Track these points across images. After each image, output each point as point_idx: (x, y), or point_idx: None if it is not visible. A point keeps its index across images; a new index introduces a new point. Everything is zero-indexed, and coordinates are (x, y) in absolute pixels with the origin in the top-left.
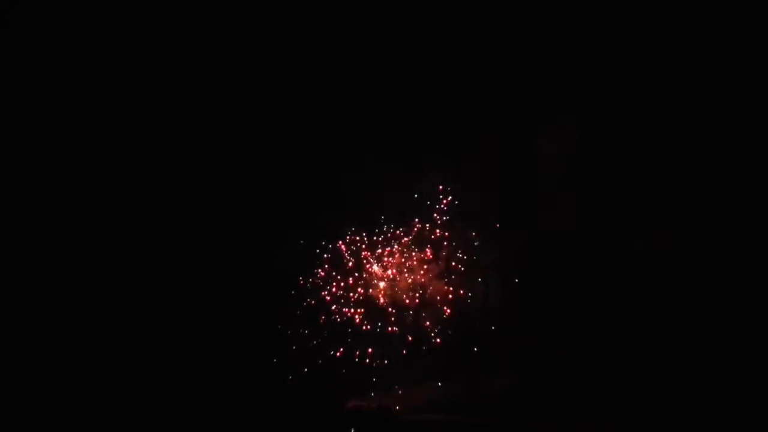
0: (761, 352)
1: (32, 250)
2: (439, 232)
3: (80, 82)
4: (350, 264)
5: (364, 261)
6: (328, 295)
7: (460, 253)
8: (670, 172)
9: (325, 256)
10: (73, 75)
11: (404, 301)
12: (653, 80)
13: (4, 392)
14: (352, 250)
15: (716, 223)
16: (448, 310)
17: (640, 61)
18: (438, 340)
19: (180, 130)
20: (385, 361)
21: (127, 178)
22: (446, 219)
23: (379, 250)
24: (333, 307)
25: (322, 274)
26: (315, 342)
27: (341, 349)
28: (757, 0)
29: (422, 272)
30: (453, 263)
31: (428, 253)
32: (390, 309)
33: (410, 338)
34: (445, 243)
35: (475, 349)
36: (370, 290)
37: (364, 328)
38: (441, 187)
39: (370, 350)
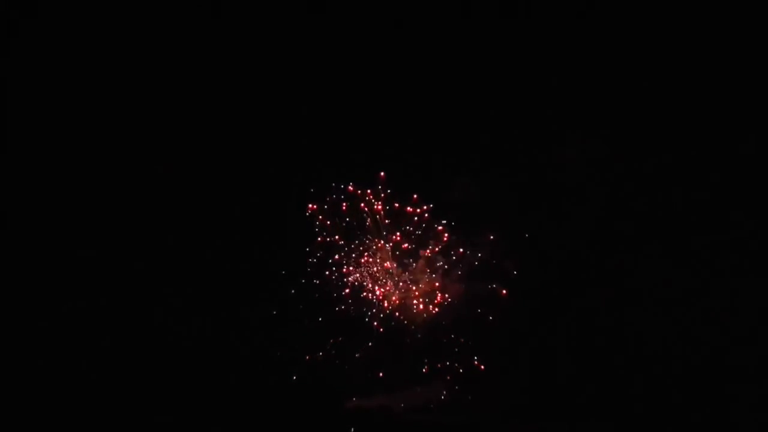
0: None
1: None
2: (447, 237)
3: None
4: (358, 263)
5: (374, 261)
6: (331, 295)
7: (465, 256)
8: (683, 180)
9: (336, 256)
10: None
11: (410, 302)
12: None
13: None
14: (360, 252)
15: (723, 229)
16: (445, 308)
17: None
18: (444, 340)
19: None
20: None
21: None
22: (455, 225)
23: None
24: (336, 308)
25: (327, 274)
26: (316, 342)
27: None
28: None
29: (428, 274)
30: (458, 266)
31: (431, 255)
32: (394, 310)
33: (412, 338)
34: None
35: (476, 349)
36: (377, 290)
37: (366, 328)
38: (461, 194)
39: (371, 350)
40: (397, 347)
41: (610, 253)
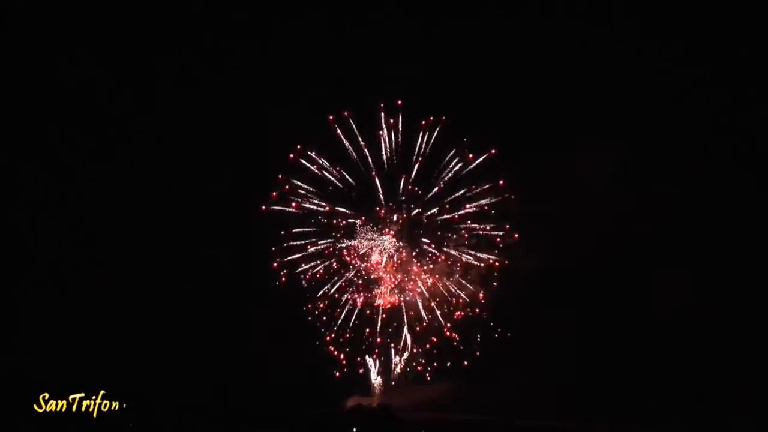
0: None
1: None
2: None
3: None
4: (361, 263)
5: (378, 261)
6: (335, 295)
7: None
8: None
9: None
10: None
11: (414, 302)
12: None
13: None
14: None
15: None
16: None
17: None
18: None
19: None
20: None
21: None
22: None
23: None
24: (338, 309)
25: (327, 270)
26: (318, 341)
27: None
28: None
29: (435, 274)
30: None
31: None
32: (398, 310)
33: (413, 339)
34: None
35: (477, 350)
36: (380, 291)
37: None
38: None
39: (371, 351)
40: (399, 346)
41: (624, 255)
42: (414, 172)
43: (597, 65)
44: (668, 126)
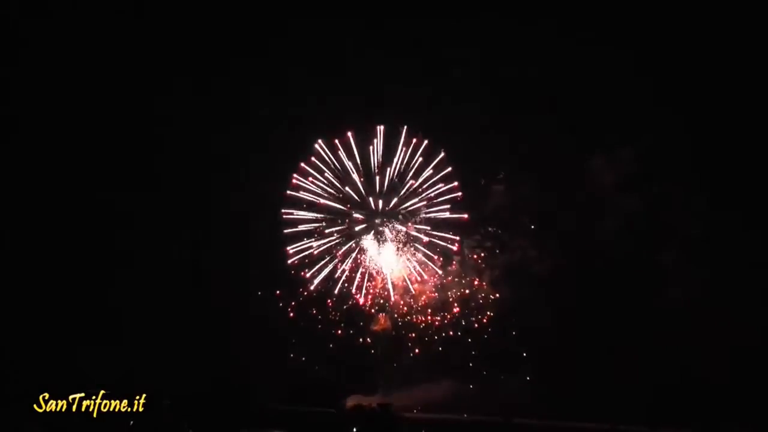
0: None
1: None
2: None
3: None
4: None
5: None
6: (335, 295)
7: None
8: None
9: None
10: None
11: (416, 303)
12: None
13: None
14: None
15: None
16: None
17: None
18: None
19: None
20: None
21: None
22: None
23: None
24: (337, 309)
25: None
26: (319, 341)
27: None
28: None
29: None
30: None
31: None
32: (398, 311)
33: (415, 339)
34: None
35: (477, 351)
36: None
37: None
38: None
39: (373, 350)
40: (400, 347)
41: (637, 258)
42: (406, 183)
43: (596, 66)
44: (668, 126)
